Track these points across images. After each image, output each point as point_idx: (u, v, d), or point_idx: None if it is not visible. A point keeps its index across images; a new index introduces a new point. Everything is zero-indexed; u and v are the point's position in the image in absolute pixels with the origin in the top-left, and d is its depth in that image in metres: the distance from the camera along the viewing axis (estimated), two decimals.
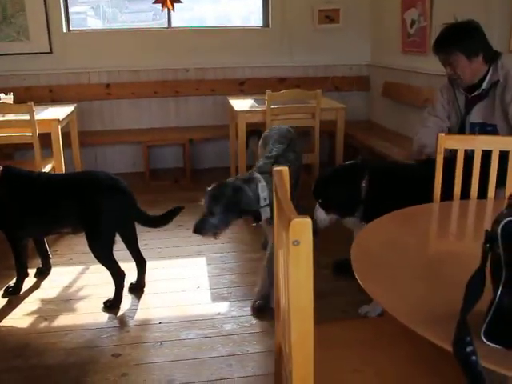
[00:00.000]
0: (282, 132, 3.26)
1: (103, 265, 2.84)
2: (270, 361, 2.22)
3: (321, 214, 2.58)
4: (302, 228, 0.98)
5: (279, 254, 1.28)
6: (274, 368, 1.70)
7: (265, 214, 2.68)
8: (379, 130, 5.07)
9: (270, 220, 2.62)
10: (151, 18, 5.79)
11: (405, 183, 2.56)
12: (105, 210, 2.76)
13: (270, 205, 2.60)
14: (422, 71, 4.39)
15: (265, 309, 2.73)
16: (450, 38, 2.70)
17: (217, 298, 2.90)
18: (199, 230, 2.61)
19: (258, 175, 2.71)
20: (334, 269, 3.09)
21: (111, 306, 2.83)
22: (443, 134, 2.15)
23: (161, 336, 2.55)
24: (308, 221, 0.97)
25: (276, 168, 1.33)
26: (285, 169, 1.32)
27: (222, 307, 2.80)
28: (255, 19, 5.60)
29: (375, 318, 2.49)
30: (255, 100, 4.32)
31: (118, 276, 2.83)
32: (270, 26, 5.39)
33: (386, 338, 1.62)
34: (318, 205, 2.59)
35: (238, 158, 3.98)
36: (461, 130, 2.85)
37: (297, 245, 0.98)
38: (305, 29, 5.37)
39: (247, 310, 2.76)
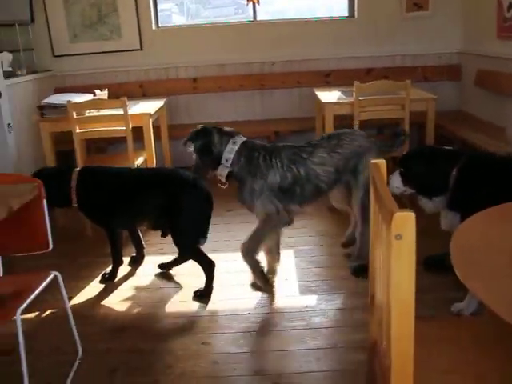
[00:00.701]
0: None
1: (192, 258, 2.96)
2: (360, 356, 2.21)
3: (397, 181, 2.55)
4: (404, 222, 0.96)
5: (376, 246, 1.25)
6: (364, 363, 1.67)
7: (220, 171, 2.80)
8: (472, 120, 4.84)
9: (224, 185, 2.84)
10: (233, 12, 5.85)
11: (503, 177, 2.43)
12: (189, 207, 2.87)
13: (233, 176, 2.78)
14: None
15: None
16: None
17: (304, 290, 2.89)
18: (194, 170, 2.90)
19: (238, 139, 2.81)
20: (424, 264, 2.99)
21: (201, 295, 2.91)
22: None
23: (249, 326, 2.59)
24: (411, 215, 0.95)
25: (374, 161, 1.31)
26: (382, 162, 1.30)
27: (310, 300, 2.80)
28: (338, 9, 5.52)
29: (472, 317, 2.39)
30: (342, 92, 4.26)
31: (207, 266, 2.91)
32: (355, 16, 5.28)
33: (486, 338, 1.55)
34: (398, 171, 2.56)
35: None
36: None
37: (399, 239, 0.96)
38: (392, 17, 5.23)
39: (335, 304, 2.74)
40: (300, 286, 2.95)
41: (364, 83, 3.83)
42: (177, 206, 2.86)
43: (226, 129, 2.92)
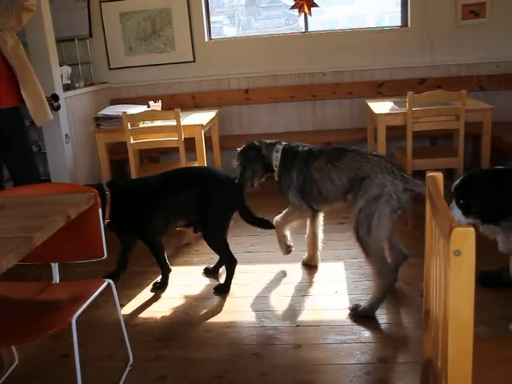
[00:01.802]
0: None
1: (218, 253, 3.15)
2: (412, 373, 2.15)
3: (457, 213, 2.38)
4: (464, 237, 0.93)
5: (432, 261, 1.22)
6: (415, 381, 1.63)
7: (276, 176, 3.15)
8: None
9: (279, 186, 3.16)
10: (284, 23, 5.88)
11: None
12: (219, 203, 3.04)
13: (281, 173, 3.11)
14: None
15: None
16: None
17: (355, 304, 2.84)
18: (239, 183, 3.19)
19: (279, 146, 3.16)
20: (479, 280, 2.89)
21: (220, 289, 3.08)
22: None
23: (299, 338, 2.57)
24: (471, 230, 0.92)
25: (430, 174, 1.28)
26: (439, 175, 1.26)
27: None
28: (390, 19, 5.45)
29: None
30: (395, 102, 4.19)
31: (230, 262, 3.08)
32: (409, 26, 5.21)
33: None
34: (454, 203, 2.39)
35: None
36: None
37: (458, 255, 0.94)
38: (447, 26, 5.12)
39: (387, 318, 2.69)
40: (350, 299, 2.90)
41: (417, 94, 3.77)
42: (208, 201, 3.01)
43: (268, 140, 3.26)
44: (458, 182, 2.41)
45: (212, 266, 3.34)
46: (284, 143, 3.19)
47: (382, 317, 2.70)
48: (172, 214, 3.12)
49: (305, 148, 3.08)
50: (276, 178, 3.17)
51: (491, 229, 2.39)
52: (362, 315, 2.70)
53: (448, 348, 1.01)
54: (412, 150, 3.76)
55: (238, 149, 3.27)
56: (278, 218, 3.23)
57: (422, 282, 2.61)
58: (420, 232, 3.51)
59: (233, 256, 3.10)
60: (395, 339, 2.50)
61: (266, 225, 3.26)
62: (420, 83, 5.14)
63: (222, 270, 3.23)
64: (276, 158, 3.13)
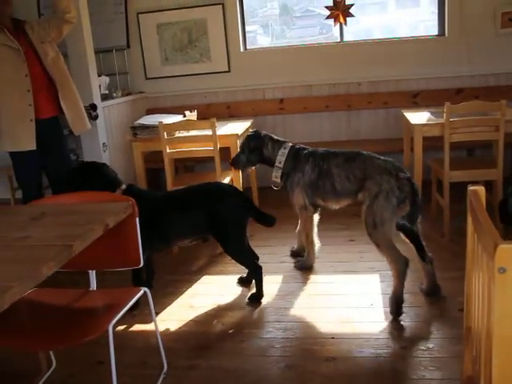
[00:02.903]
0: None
1: (241, 263, 3.14)
2: None
3: None
4: (509, 255, 0.90)
5: (473, 276, 1.20)
6: None
7: (274, 173, 3.32)
8: None
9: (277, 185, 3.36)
10: (317, 32, 5.87)
11: None
12: (232, 215, 3.05)
13: (283, 174, 3.30)
14: None
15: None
16: None
17: (390, 317, 2.80)
18: (235, 162, 3.49)
19: (287, 144, 3.35)
20: None
21: (254, 299, 3.09)
22: None
23: (333, 351, 2.54)
24: None
25: (472, 188, 1.26)
26: (481, 188, 1.24)
27: (396, 327, 2.70)
28: (426, 27, 5.39)
29: None
30: (431, 113, 4.13)
31: (255, 270, 3.11)
32: (446, 35, 5.14)
33: None
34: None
35: (414, 172, 3.84)
36: None
37: (503, 272, 0.91)
38: (485, 34, 5.03)
39: (423, 333, 2.64)
40: (386, 312, 2.86)
41: (454, 104, 3.71)
42: (221, 215, 3.02)
43: (276, 137, 3.46)
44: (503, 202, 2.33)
45: (246, 275, 3.34)
46: (291, 144, 3.37)
47: (419, 331, 2.65)
48: (174, 233, 3.10)
49: (315, 148, 3.33)
50: (276, 175, 3.32)
51: None
52: (394, 305, 2.81)
53: (492, 367, 0.98)
54: (449, 162, 3.69)
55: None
56: (298, 229, 3.52)
57: (460, 297, 2.56)
58: (457, 245, 3.48)
59: (256, 263, 3.14)
60: (432, 355, 2.45)
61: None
62: (457, 93, 5.07)
63: None
64: (282, 154, 3.30)
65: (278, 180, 3.33)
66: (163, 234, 3.03)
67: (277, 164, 3.32)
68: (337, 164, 3.15)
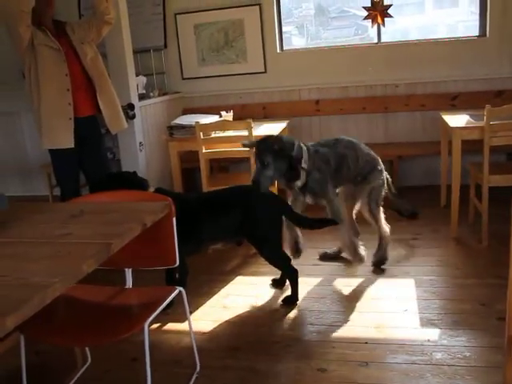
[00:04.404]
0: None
1: (277, 266, 3.14)
2: None
3: None
4: None
5: None
6: None
7: (301, 176, 3.09)
8: None
9: (301, 189, 3.17)
10: (353, 33, 5.82)
11: None
12: (267, 217, 3.02)
13: (315, 172, 3.13)
14: None
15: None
16: None
17: (426, 323, 2.75)
18: (258, 183, 2.98)
19: (298, 141, 3.09)
20: None
21: (289, 301, 3.06)
22: None
23: (366, 356, 2.51)
24: None
25: None
26: None
27: (432, 334, 2.65)
28: (465, 27, 5.28)
29: None
30: (471, 116, 4.04)
31: (291, 274, 3.08)
32: (487, 35, 5.03)
33: None
34: None
35: (452, 177, 3.76)
36: None
37: None
38: None
39: (460, 340, 2.57)
40: (421, 318, 2.81)
41: (494, 106, 3.62)
42: (255, 218, 2.99)
43: (285, 137, 3.22)
44: None
45: (279, 276, 3.32)
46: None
47: (456, 338, 2.59)
48: (206, 236, 3.07)
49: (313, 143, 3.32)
50: (301, 181, 3.13)
51: None
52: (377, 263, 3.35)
53: None
54: (489, 166, 3.61)
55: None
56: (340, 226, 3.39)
57: (499, 304, 2.51)
58: (495, 252, 3.41)
59: (292, 266, 3.09)
60: (469, 363, 2.39)
61: (324, 223, 3.22)
62: (497, 95, 4.94)
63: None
64: (306, 156, 3.10)
65: (300, 184, 3.17)
66: (193, 236, 2.99)
67: (303, 166, 3.09)
68: (347, 145, 3.33)
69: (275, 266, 3.14)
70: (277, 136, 3.27)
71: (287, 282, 3.19)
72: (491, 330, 2.61)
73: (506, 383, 1.38)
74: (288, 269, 3.10)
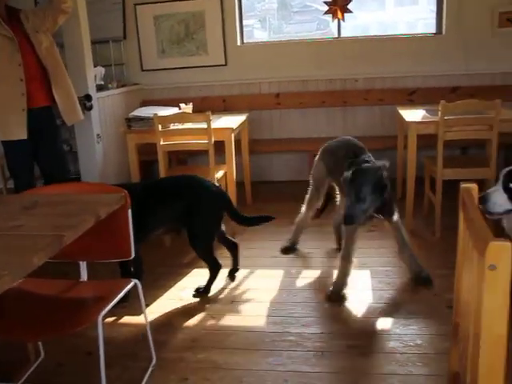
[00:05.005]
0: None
1: (203, 259, 3.16)
2: None
3: (501, 197, 2.18)
4: (500, 252, 0.90)
5: (463, 273, 1.20)
6: None
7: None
8: None
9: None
10: (315, 28, 5.86)
11: None
12: (205, 210, 3.06)
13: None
14: None
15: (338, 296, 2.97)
16: None
17: (380, 313, 2.81)
18: (352, 219, 2.72)
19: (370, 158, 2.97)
20: None
21: (201, 292, 3.13)
22: None
23: (321, 346, 2.54)
24: (508, 245, 0.90)
25: (464, 185, 1.26)
26: (474, 186, 1.24)
27: (385, 323, 2.71)
28: (424, 25, 5.39)
29: None
30: (427, 110, 4.13)
31: (215, 268, 3.14)
32: (443, 33, 5.14)
33: None
34: (498, 187, 2.25)
35: (407, 170, 3.84)
36: None
37: (493, 269, 0.91)
38: (482, 34, 5.03)
39: (412, 329, 2.64)
40: (375, 308, 2.87)
41: (449, 102, 3.71)
42: (194, 210, 3.03)
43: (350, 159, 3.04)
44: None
45: (231, 267, 3.34)
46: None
47: (408, 327, 2.66)
48: (154, 223, 3.11)
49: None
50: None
51: None
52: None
53: (479, 364, 0.98)
54: (443, 160, 3.70)
55: (345, 174, 2.79)
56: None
57: (449, 294, 2.57)
58: (448, 243, 3.50)
59: (218, 262, 3.15)
60: (420, 351, 2.46)
61: (261, 220, 3.26)
62: (452, 91, 5.07)
63: (245, 274, 3.23)
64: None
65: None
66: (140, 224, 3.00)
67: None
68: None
69: (202, 259, 3.17)
70: (374, 166, 2.84)
71: (237, 274, 3.26)
72: (442, 318, 2.68)
73: (451, 368, 1.42)
74: (213, 263, 3.14)
